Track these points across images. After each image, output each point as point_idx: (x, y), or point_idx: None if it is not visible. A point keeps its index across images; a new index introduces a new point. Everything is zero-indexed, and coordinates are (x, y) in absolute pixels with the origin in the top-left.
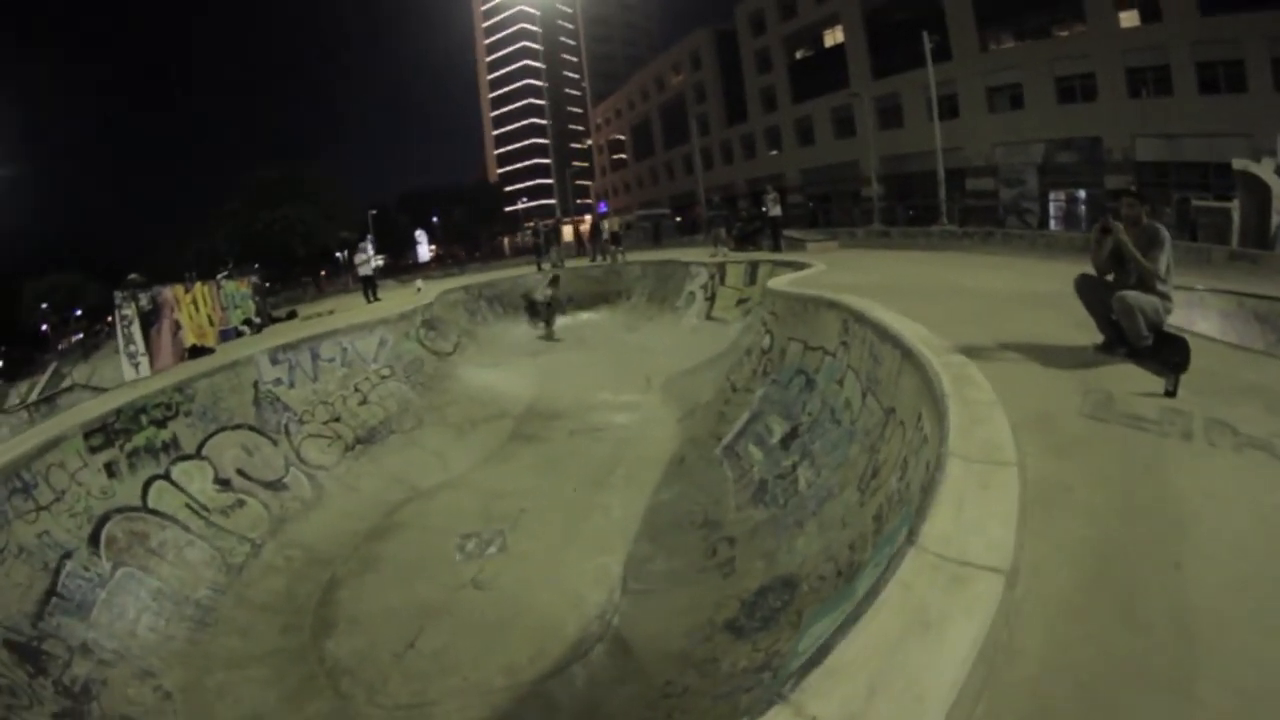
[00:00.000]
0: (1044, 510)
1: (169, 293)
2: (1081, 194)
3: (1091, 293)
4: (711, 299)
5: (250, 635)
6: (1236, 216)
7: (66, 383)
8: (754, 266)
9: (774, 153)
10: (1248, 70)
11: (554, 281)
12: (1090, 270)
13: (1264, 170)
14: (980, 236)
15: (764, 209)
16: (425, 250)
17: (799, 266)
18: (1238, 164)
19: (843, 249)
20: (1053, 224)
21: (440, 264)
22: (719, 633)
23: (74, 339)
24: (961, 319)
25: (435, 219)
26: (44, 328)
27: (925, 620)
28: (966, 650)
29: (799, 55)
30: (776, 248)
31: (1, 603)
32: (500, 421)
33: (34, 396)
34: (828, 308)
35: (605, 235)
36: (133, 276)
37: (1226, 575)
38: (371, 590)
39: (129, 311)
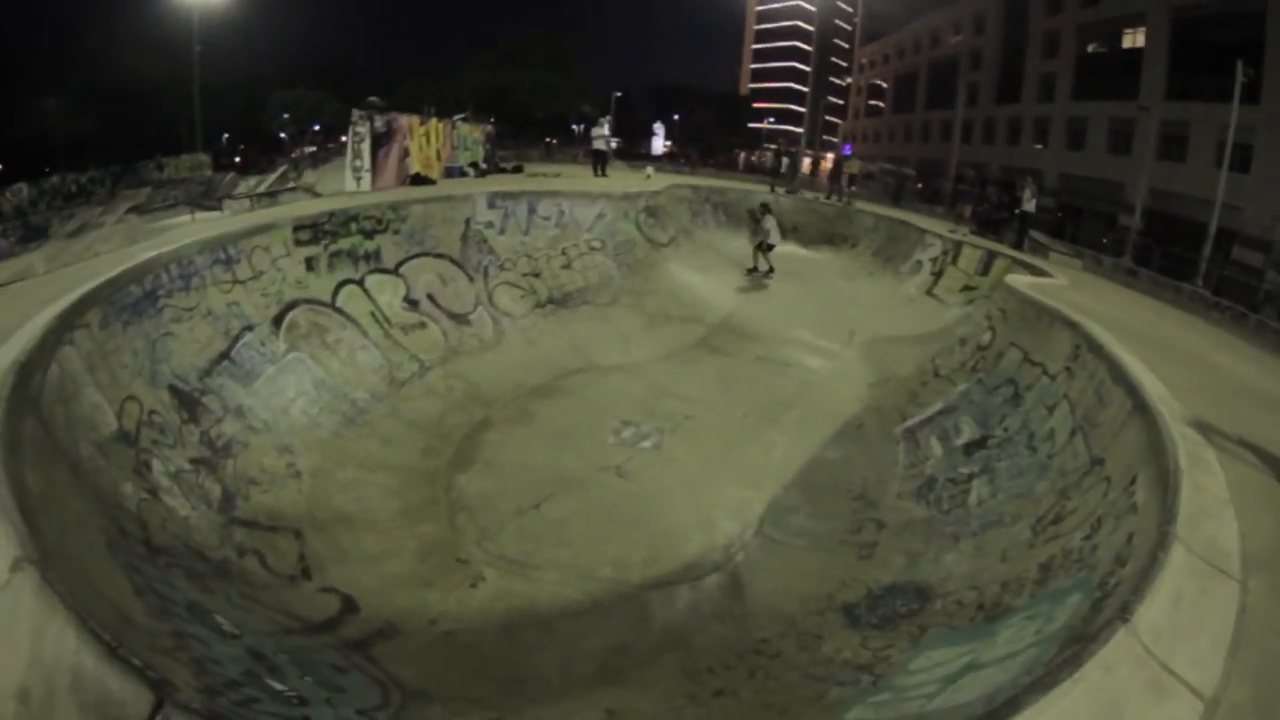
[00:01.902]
0: (1256, 655)
1: (404, 121)
2: None
3: None
4: (938, 275)
5: (391, 445)
6: None
7: (291, 184)
8: (991, 256)
9: (1038, 146)
10: None
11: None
12: None
13: None
14: (1233, 314)
15: (1018, 199)
16: (660, 144)
17: (1039, 273)
18: None
19: (1084, 272)
20: None
21: (671, 160)
22: (834, 612)
23: (306, 150)
24: (1202, 395)
25: (676, 117)
26: (281, 135)
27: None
28: None
29: (1090, 49)
30: (1019, 245)
31: (179, 353)
32: (693, 325)
33: (261, 189)
34: (1063, 325)
35: (845, 177)
36: (372, 99)
37: None
38: (518, 442)
39: (362, 130)
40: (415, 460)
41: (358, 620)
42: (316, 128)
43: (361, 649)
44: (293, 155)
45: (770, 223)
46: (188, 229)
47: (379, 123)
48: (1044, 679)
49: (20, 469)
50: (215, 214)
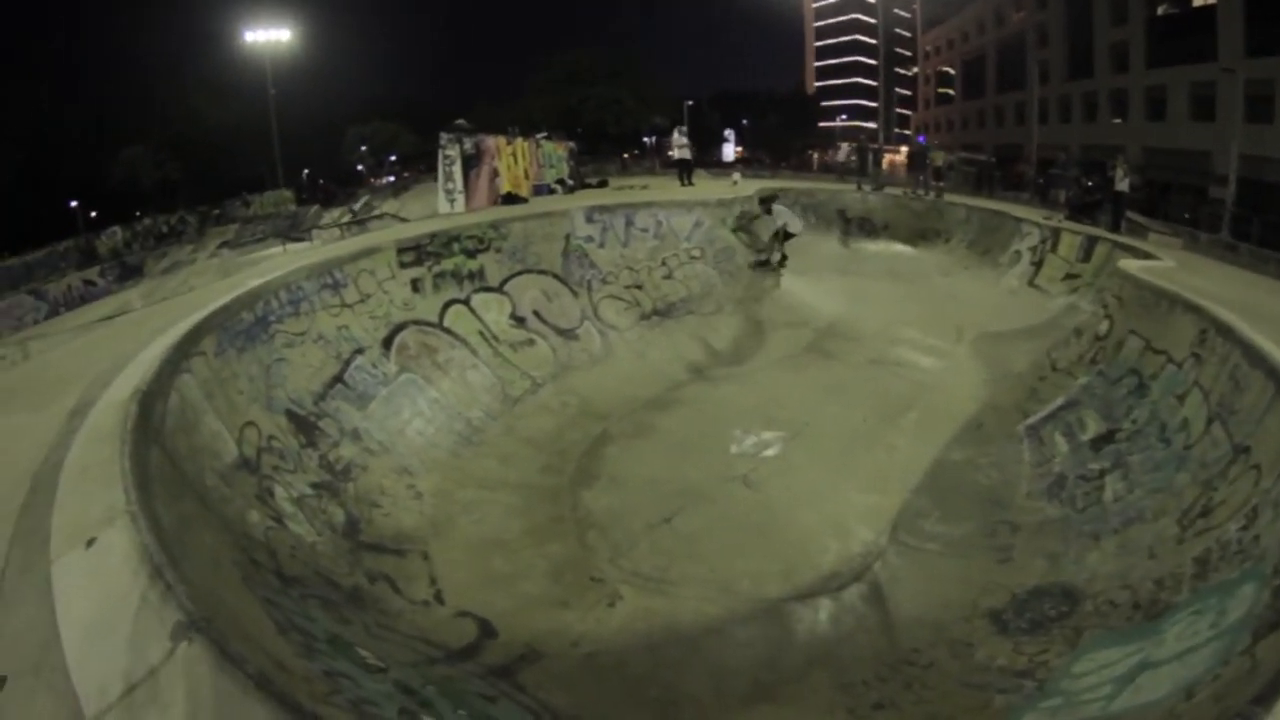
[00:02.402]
0: None
1: (492, 142)
2: None
3: None
4: (1038, 265)
5: (510, 464)
6: None
7: (376, 212)
8: (1091, 242)
9: (1117, 121)
10: None
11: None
12: None
13: None
14: None
15: (1110, 178)
16: (730, 150)
17: (1143, 255)
18: None
19: (1184, 251)
20: None
21: (746, 166)
22: (980, 618)
23: (386, 180)
24: None
25: (745, 121)
26: (360, 167)
27: None
28: None
29: (1160, 11)
30: (1115, 227)
31: (293, 378)
32: (800, 330)
33: (347, 219)
34: (1185, 309)
35: (930, 170)
36: (459, 122)
37: None
38: (639, 456)
39: (452, 152)
40: (535, 478)
41: (497, 645)
42: (393, 158)
43: (507, 676)
44: (372, 185)
45: (783, 211)
46: (281, 259)
47: (468, 145)
48: None
49: (154, 507)
50: (304, 244)
